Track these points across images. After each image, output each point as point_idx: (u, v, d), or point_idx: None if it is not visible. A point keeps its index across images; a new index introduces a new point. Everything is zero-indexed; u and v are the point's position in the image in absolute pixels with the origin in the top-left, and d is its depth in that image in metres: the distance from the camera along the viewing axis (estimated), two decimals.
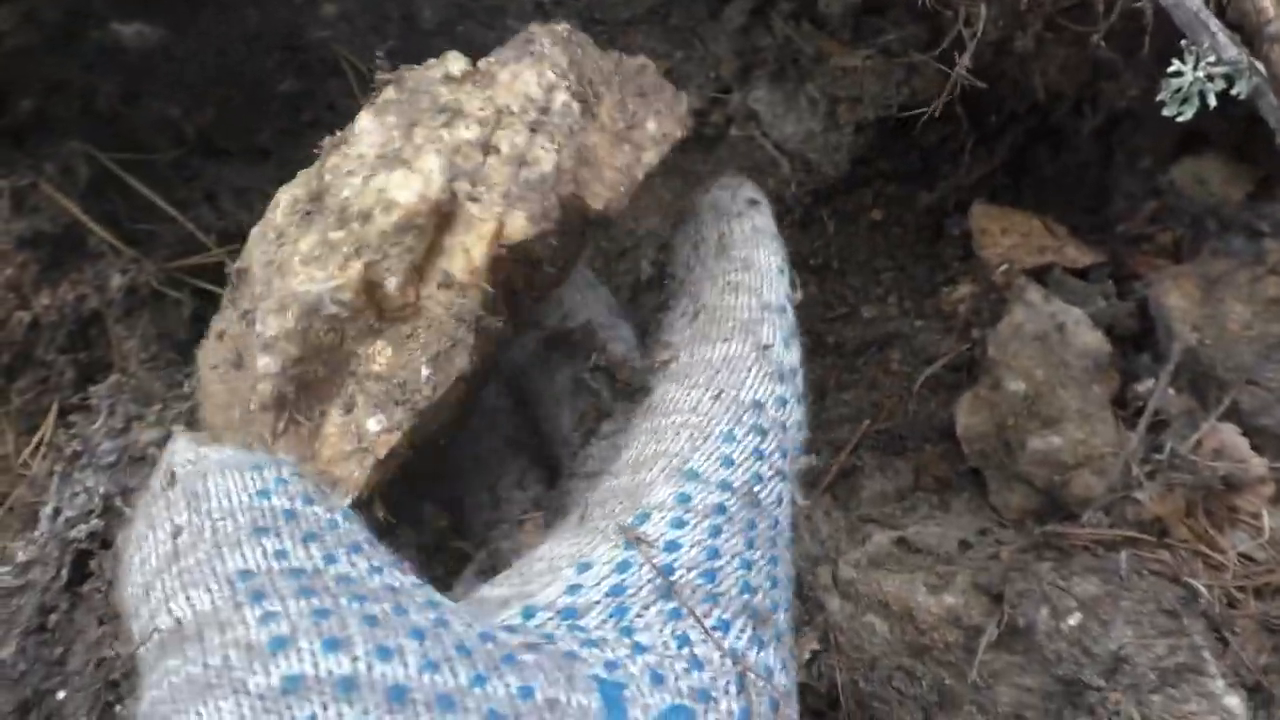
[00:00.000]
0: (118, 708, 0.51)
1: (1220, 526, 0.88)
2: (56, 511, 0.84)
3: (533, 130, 0.55)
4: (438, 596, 0.43)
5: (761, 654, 0.46)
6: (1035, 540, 0.91)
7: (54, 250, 0.99)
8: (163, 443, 0.82)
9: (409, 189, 0.50)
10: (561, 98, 0.57)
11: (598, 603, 0.44)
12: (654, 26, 1.12)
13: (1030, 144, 1.14)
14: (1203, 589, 0.84)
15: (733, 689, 0.43)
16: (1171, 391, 0.94)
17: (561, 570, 0.46)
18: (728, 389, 0.53)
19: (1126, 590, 0.85)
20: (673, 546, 0.46)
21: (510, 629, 0.43)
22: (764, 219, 0.61)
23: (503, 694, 0.37)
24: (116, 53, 1.02)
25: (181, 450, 0.49)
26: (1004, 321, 0.98)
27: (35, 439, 1.02)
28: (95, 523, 0.83)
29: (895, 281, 1.14)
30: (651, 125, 0.60)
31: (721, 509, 0.48)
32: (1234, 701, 0.78)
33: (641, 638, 0.43)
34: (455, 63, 0.59)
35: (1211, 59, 0.60)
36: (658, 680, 0.42)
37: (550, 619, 0.44)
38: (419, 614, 0.39)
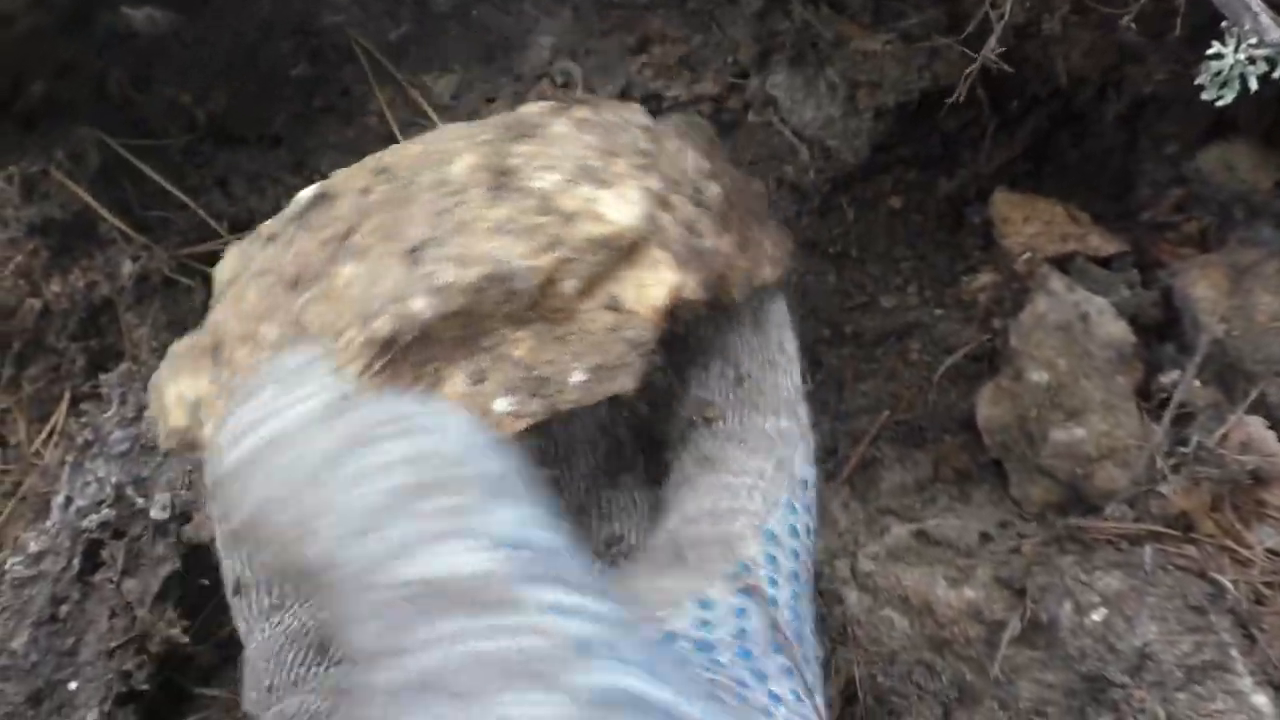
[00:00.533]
0: None
1: (1247, 521, 0.86)
2: (68, 501, 0.84)
3: (696, 205, 0.57)
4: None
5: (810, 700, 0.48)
6: (1057, 533, 0.90)
7: (64, 237, 0.99)
8: None
9: (622, 212, 0.53)
10: (715, 189, 0.59)
11: (727, 642, 0.45)
12: (672, 10, 1.10)
13: (1053, 130, 1.12)
14: (1229, 585, 0.82)
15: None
16: (1197, 383, 0.92)
17: (684, 604, 0.47)
18: (785, 462, 0.56)
19: (1151, 585, 0.83)
20: (774, 602, 0.48)
21: (708, 665, 0.45)
22: (785, 306, 0.66)
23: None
24: (127, 37, 1.01)
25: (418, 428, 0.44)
26: (1026, 311, 0.96)
27: (47, 427, 1.01)
28: (106, 512, 0.83)
29: (915, 270, 1.13)
30: (768, 246, 0.63)
31: (796, 576, 0.51)
32: (1262, 700, 0.77)
33: (773, 687, 0.44)
34: (644, 115, 0.61)
35: (1253, 41, 0.59)
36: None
37: (689, 647, 0.45)
38: (670, 649, 0.42)
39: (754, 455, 0.56)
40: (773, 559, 0.51)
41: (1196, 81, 0.64)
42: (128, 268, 1.00)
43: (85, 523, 0.83)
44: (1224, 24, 0.62)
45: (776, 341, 0.62)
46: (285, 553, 0.38)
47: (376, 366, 0.47)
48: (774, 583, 0.50)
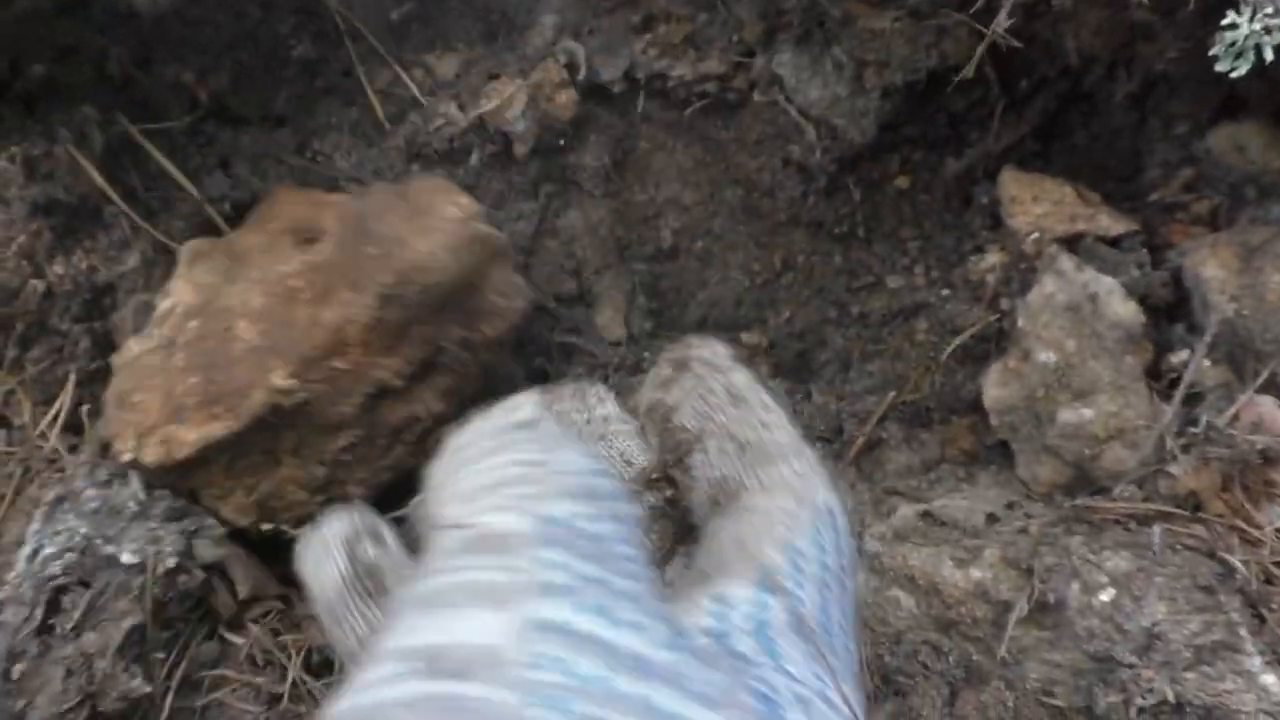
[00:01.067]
0: None
1: (1257, 501, 0.86)
2: (35, 552, 0.84)
3: None
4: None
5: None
6: (1065, 514, 0.89)
7: (68, 218, 0.98)
8: (140, 499, 0.87)
9: None
10: None
11: (745, 631, 0.47)
12: None
13: (1061, 109, 1.12)
14: (1239, 564, 0.82)
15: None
16: (1207, 363, 0.91)
17: (701, 602, 0.49)
18: (806, 496, 0.59)
19: (1160, 566, 0.83)
20: (799, 601, 0.50)
21: (700, 632, 0.47)
22: (747, 371, 0.69)
23: (698, 679, 0.41)
24: (128, 17, 1.00)
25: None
26: (1034, 291, 0.96)
27: (52, 410, 1.01)
28: (71, 558, 0.83)
29: (922, 250, 1.12)
30: None
31: (825, 584, 0.53)
32: (1271, 679, 0.77)
33: (790, 668, 0.46)
34: None
35: (1269, 9, 0.58)
36: (805, 708, 0.44)
37: (702, 639, 0.46)
38: (657, 601, 0.45)
39: (776, 498, 0.58)
40: (798, 567, 0.52)
41: (1211, 53, 0.63)
42: (131, 254, 0.99)
43: (50, 570, 0.83)
44: None
45: (760, 402, 0.65)
46: (428, 506, 0.50)
47: None
48: (799, 585, 0.51)
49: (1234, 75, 0.63)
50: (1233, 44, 0.61)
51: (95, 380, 1.02)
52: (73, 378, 1.01)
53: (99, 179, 0.99)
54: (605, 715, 0.37)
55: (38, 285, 0.98)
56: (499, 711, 0.36)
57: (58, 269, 0.99)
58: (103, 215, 1.01)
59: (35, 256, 0.98)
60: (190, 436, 0.84)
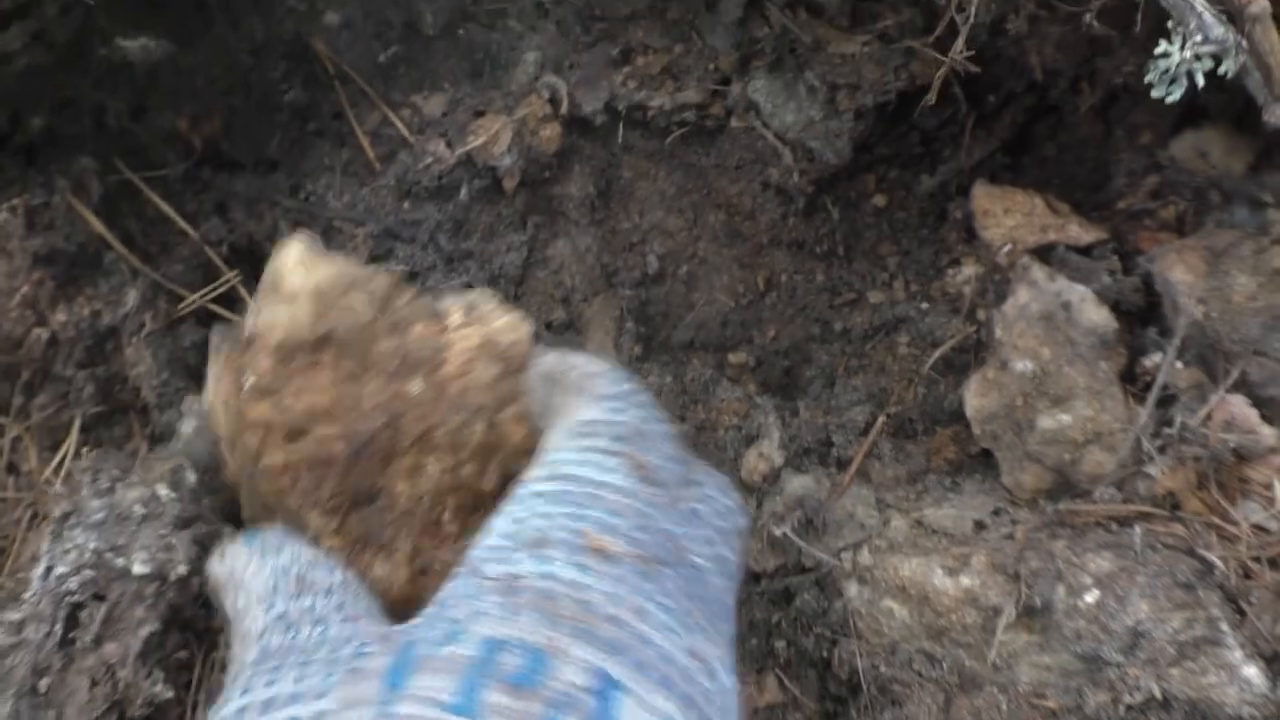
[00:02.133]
0: None
1: (1232, 498, 0.88)
2: (48, 570, 0.86)
3: None
4: (361, 630, 0.56)
5: (543, 565, 0.53)
6: (1049, 519, 0.92)
7: (69, 267, 1.01)
8: (147, 501, 0.88)
9: None
10: None
11: (444, 590, 0.55)
12: (653, 21, 1.13)
13: (1029, 123, 1.15)
14: (1217, 561, 0.84)
15: (500, 595, 0.52)
16: (1179, 365, 0.94)
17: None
18: (563, 422, 0.66)
19: (1141, 565, 0.85)
20: (489, 530, 0.58)
21: (392, 632, 0.54)
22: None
23: (337, 678, 0.50)
24: (124, 68, 1.03)
25: (220, 581, 0.68)
26: (1009, 302, 0.99)
27: (58, 455, 1.03)
28: (87, 574, 0.85)
29: (900, 266, 1.15)
30: None
31: (537, 494, 0.59)
32: (1252, 671, 0.79)
33: (447, 600, 0.54)
34: None
35: (1199, 39, 0.61)
36: (449, 622, 0.51)
37: (429, 609, 0.54)
38: (321, 652, 0.54)
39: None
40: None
41: (1146, 79, 0.66)
42: (132, 298, 1.02)
43: (66, 586, 0.85)
44: (1170, 23, 0.64)
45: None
46: None
47: None
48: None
49: (1168, 100, 0.66)
50: (1166, 71, 0.64)
51: (99, 425, 1.04)
52: (77, 423, 1.03)
53: (98, 226, 1.01)
54: None
55: (41, 334, 1.01)
56: None
57: (60, 316, 1.01)
58: (103, 262, 1.03)
59: (38, 305, 1.00)
60: None
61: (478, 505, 0.76)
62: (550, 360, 0.73)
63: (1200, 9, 0.60)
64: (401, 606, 0.73)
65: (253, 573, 0.66)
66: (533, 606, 0.49)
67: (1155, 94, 0.66)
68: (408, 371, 0.72)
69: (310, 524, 0.73)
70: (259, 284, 0.77)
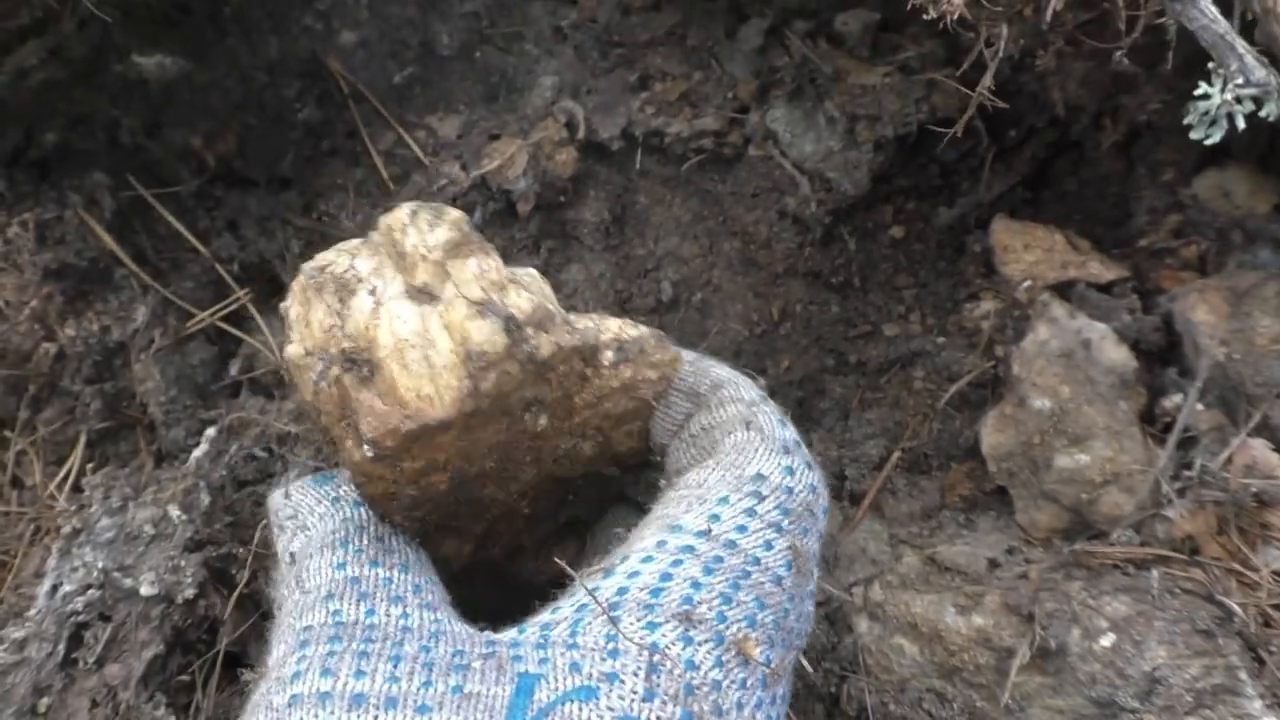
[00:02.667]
0: None
1: (1253, 544, 0.87)
2: (55, 588, 0.85)
3: None
4: (448, 627, 0.55)
5: (688, 649, 0.52)
6: (1064, 559, 0.90)
7: (79, 282, 1.01)
8: (158, 521, 0.88)
9: None
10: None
11: (565, 618, 0.54)
12: (673, 47, 1.12)
13: (1050, 158, 1.14)
14: (1237, 608, 0.82)
15: (641, 672, 0.49)
16: (1200, 407, 0.93)
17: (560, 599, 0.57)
18: (733, 467, 0.62)
19: (1159, 610, 0.84)
20: (634, 575, 0.55)
21: (489, 643, 0.54)
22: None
23: (438, 690, 0.49)
24: (138, 84, 1.03)
25: (283, 516, 0.66)
26: (1028, 338, 0.97)
27: (63, 470, 1.03)
28: (93, 594, 0.84)
29: (917, 299, 1.14)
30: None
31: (690, 549, 0.56)
32: None
33: (578, 639, 0.52)
34: None
35: (1239, 81, 0.60)
36: (575, 669, 0.50)
37: (533, 631, 0.54)
38: (410, 645, 0.52)
39: (702, 470, 0.64)
40: (662, 543, 0.58)
41: (1185, 121, 0.65)
42: (141, 313, 1.01)
43: (71, 606, 0.84)
44: (1210, 65, 0.63)
45: (710, 382, 0.70)
46: None
47: None
48: (647, 559, 0.57)
49: (1207, 142, 0.65)
50: (1206, 113, 0.63)
51: (105, 440, 1.04)
52: (83, 438, 1.03)
53: (109, 242, 1.01)
54: None
55: (49, 348, 1.00)
56: None
57: (69, 331, 1.01)
58: (113, 277, 1.03)
59: (47, 320, 1.00)
60: None
61: (556, 491, 0.75)
62: (694, 377, 0.71)
63: (1242, 51, 0.59)
64: (458, 572, 0.72)
65: (320, 516, 0.64)
66: (673, 698, 0.49)
67: (1194, 135, 0.66)
68: (538, 411, 0.67)
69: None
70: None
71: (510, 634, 0.54)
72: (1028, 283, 1.03)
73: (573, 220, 1.12)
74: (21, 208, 0.98)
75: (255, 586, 0.94)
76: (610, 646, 0.50)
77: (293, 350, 0.63)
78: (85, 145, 1.00)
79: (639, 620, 0.52)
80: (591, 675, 0.49)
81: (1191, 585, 0.86)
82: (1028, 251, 1.05)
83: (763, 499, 0.59)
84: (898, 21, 1.11)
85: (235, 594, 0.90)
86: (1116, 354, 0.94)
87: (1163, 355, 0.99)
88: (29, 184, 0.99)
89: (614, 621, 0.52)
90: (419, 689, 0.48)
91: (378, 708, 0.47)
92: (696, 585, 0.54)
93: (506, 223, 1.10)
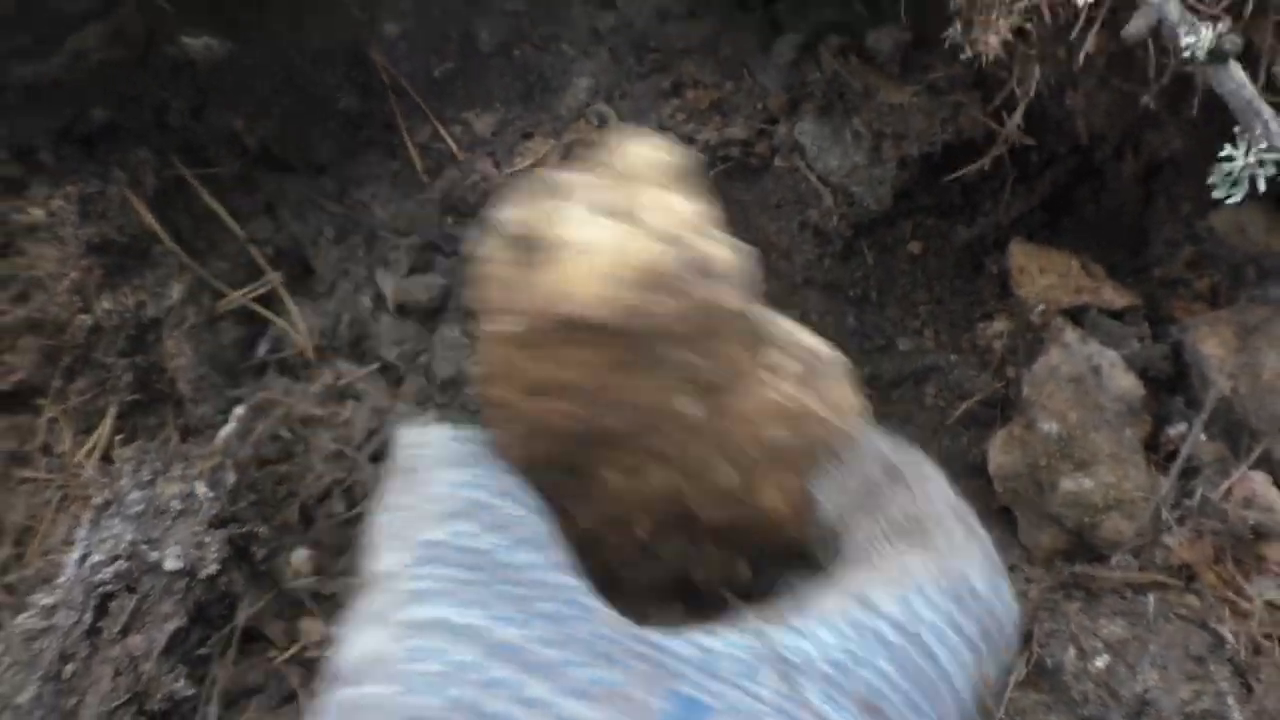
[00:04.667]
0: None
1: (1248, 574, 0.89)
2: (84, 557, 0.88)
3: None
4: (585, 599, 0.49)
5: None
6: (1064, 580, 0.93)
7: (119, 257, 1.03)
8: (185, 497, 0.89)
9: None
10: None
11: (731, 655, 0.48)
12: (706, 56, 1.14)
13: (1071, 184, 1.16)
14: (1229, 635, 0.85)
15: None
16: (1204, 438, 0.95)
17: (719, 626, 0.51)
18: (943, 561, 0.54)
19: (1153, 634, 0.86)
20: (820, 643, 0.48)
21: (639, 639, 0.47)
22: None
23: (583, 677, 0.43)
24: (186, 66, 1.05)
25: (409, 440, 0.60)
26: (1040, 362, 1.00)
27: (91, 440, 1.05)
28: (121, 565, 0.87)
29: (932, 315, 1.16)
30: None
31: (880, 634, 0.49)
32: None
33: (757, 688, 0.46)
34: None
35: (1263, 145, 0.62)
36: (739, 714, 0.44)
37: (693, 650, 0.48)
38: (553, 604, 0.47)
39: (914, 558, 0.55)
40: (847, 613, 0.51)
41: (1209, 181, 0.67)
42: (176, 291, 1.04)
43: (100, 576, 0.86)
44: (1235, 128, 0.65)
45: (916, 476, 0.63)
46: None
47: None
48: (832, 628, 0.50)
49: (1229, 202, 0.67)
50: (1229, 174, 0.65)
51: (134, 413, 1.06)
52: (113, 410, 1.05)
53: (150, 219, 1.03)
54: (476, 698, 0.41)
55: (86, 320, 1.03)
56: (383, 702, 0.42)
57: (105, 304, 1.03)
58: (151, 254, 1.05)
59: (85, 292, 1.02)
60: None
61: (682, 527, 0.66)
62: (879, 467, 0.62)
63: (1267, 117, 0.61)
64: None
65: (449, 440, 0.59)
66: None
67: (1217, 195, 0.68)
68: (694, 392, 0.60)
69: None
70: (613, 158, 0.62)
71: (657, 636, 0.48)
72: (1042, 306, 1.05)
73: None
74: (66, 181, 1.00)
75: (273, 564, 0.97)
76: (790, 710, 0.45)
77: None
78: (133, 124, 1.02)
79: (820, 694, 0.46)
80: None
81: (1186, 611, 0.88)
82: (1043, 275, 1.07)
83: (966, 611, 0.52)
84: (928, 41, 1.12)
85: (253, 571, 0.93)
86: (1125, 381, 0.96)
87: (1170, 384, 1.01)
88: (75, 159, 1.01)
89: (797, 688, 0.46)
90: (564, 665, 0.43)
91: (528, 670, 0.43)
92: (885, 678, 0.48)
93: None
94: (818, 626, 0.49)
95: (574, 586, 0.49)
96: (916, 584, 0.52)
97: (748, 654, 0.47)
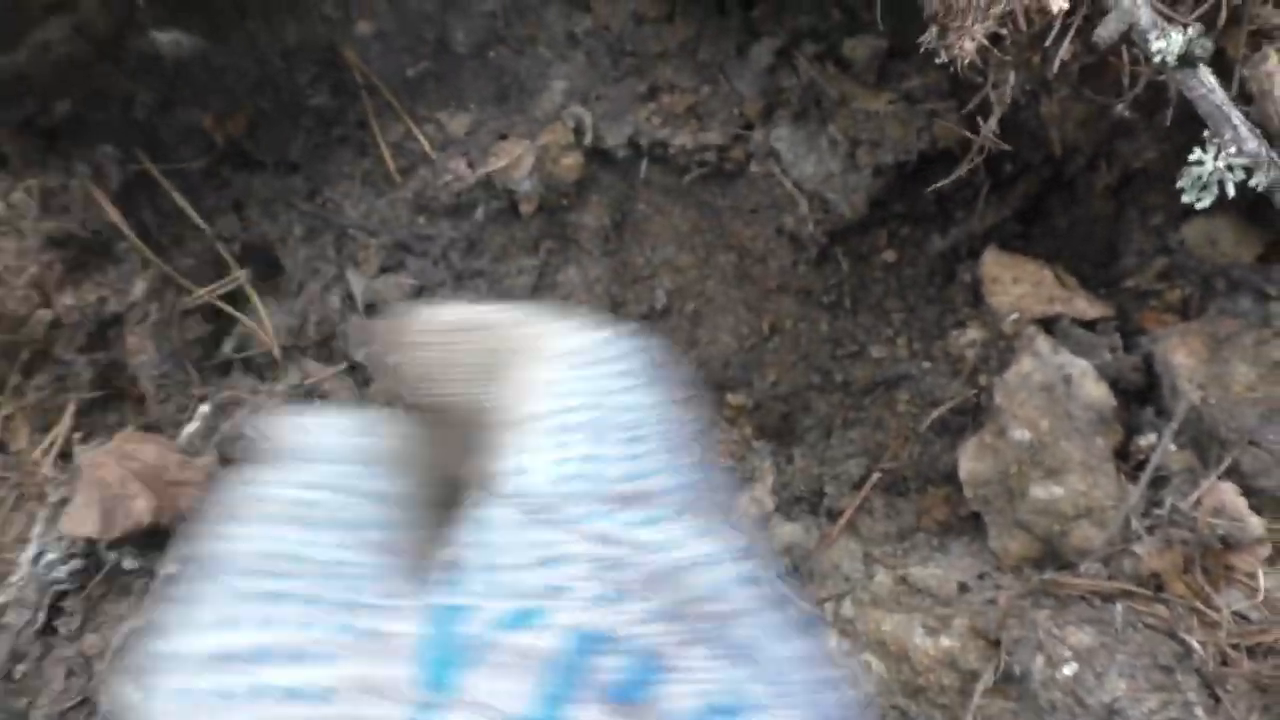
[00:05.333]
0: None
1: (1216, 584, 0.89)
2: (38, 555, 0.86)
3: None
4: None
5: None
6: (1033, 587, 0.92)
7: (80, 252, 1.01)
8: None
9: None
10: None
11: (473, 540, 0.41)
12: (683, 61, 1.14)
13: (1044, 195, 1.16)
14: (1196, 645, 0.85)
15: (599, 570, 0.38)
16: (1174, 448, 0.95)
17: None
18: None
19: (1121, 643, 0.86)
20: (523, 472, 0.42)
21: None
22: None
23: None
24: (154, 60, 1.03)
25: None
26: (1011, 370, 1.00)
27: (49, 438, 1.03)
28: (76, 564, 0.85)
29: (905, 323, 1.16)
30: None
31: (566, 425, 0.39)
32: None
33: (496, 558, 0.39)
34: None
35: (1233, 150, 0.62)
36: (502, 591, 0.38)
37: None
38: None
39: None
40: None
41: (1178, 185, 0.67)
42: (139, 287, 1.02)
43: (54, 574, 0.85)
44: (1205, 134, 0.65)
45: None
46: None
47: None
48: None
49: (1198, 206, 0.67)
50: (1199, 178, 0.65)
51: (94, 410, 1.04)
52: (72, 407, 1.03)
53: (114, 214, 1.02)
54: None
55: (45, 315, 1.01)
56: None
57: (66, 300, 1.01)
58: (114, 249, 1.04)
59: (45, 287, 1.00)
60: None
61: None
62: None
63: (1237, 122, 0.61)
64: None
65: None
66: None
67: (1186, 199, 0.68)
68: None
69: None
70: None
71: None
72: (1014, 315, 1.05)
73: (573, 224, 1.13)
74: (28, 174, 0.99)
75: None
76: (548, 554, 0.38)
77: None
78: (97, 118, 1.01)
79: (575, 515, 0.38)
80: (525, 596, 0.35)
81: (1154, 621, 0.88)
82: (1016, 284, 1.08)
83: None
84: (904, 50, 1.12)
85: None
86: (1096, 391, 0.96)
87: (1141, 395, 1.01)
88: (37, 151, 0.99)
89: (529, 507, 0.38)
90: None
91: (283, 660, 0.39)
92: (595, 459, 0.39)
93: (508, 222, 1.11)
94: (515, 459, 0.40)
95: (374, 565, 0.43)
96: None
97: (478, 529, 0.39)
